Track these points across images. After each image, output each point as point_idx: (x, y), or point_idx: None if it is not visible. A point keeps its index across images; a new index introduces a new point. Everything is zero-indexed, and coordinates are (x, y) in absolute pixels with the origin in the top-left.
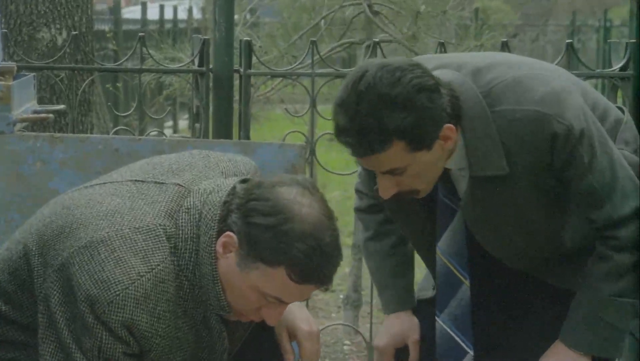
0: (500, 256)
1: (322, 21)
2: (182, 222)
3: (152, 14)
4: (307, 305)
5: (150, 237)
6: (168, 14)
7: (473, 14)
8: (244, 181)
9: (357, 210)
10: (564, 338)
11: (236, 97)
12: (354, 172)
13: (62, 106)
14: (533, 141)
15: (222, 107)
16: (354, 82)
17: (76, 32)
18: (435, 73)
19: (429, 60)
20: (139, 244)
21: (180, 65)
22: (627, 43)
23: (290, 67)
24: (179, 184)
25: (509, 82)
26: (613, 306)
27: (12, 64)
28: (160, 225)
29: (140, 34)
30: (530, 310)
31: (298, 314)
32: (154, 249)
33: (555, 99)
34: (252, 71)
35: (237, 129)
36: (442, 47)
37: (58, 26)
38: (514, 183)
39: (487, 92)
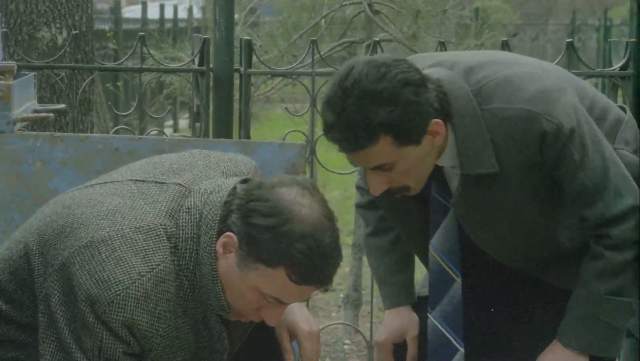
0: (497, 255)
1: (323, 20)
2: (182, 222)
3: (153, 13)
4: (307, 305)
5: (150, 237)
6: (168, 14)
7: (473, 13)
8: (244, 181)
9: (358, 206)
10: (560, 337)
11: (236, 96)
12: (354, 172)
13: (62, 106)
14: (523, 139)
15: (222, 107)
16: (340, 80)
17: (76, 32)
18: (428, 71)
19: (425, 58)
20: (139, 244)
21: (181, 64)
22: (627, 42)
23: (291, 66)
24: (179, 184)
25: (500, 80)
26: (608, 304)
27: (12, 64)
28: (160, 225)
29: (140, 33)
30: (523, 308)
31: (298, 314)
32: (154, 249)
33: (545, 97)
34: (253, 70)
35: (237, 129)
36: (442, 47)
37: (58, 25)
38: (505, 181)
39: (477, 91)
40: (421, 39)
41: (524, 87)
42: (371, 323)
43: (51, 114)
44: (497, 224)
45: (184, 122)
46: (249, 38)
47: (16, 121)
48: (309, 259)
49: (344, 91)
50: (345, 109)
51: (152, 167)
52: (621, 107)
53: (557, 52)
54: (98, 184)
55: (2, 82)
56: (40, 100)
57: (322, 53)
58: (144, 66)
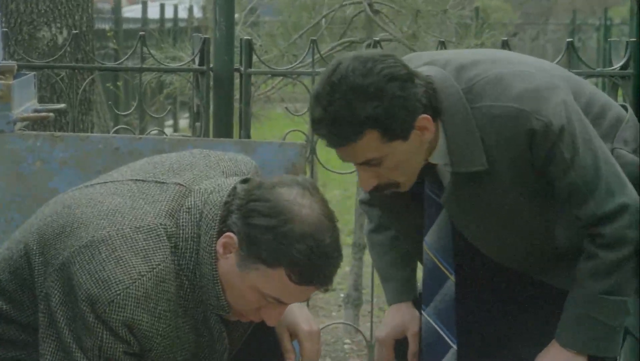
0: (493, 255)
1: (323, 20)
2: (182, 221)
3: (153, 12)
4: (307, 304)
5: (151, 236)
6: (169, 13)
7: (473, 13)
8: (244, 181)
9: (362, 202)
10: (558, 337)
11: (236, 96)
12: (354, 172)
13: (62, 105)
14: (512, 137)
15: (222, 106)
16: (328, 75)
17: (77, 31)
18: (421, 69)
19: (420, 57)
20: (139, 243)
21: (181, 64)
22: (627, 42)
23: (291, 66)
24: (179, 184)
25: (491, 79)
26: (603, 304)
27: (12, 63)
28: (161, 225)
29: (140, 33)
30: (516, 306)
31: (299, 313)
32: (154, 248)
33: (535, 95)
34: (253, 69)
35: (237, 128)
36: (443, 46)
37: (58, 25)
38: (495, 179)
39: (468, 89)
40: (421, 39)
41: (514, 86)
42: (371, 322)
43: (51, 114)
44: (490, 223)
45: (184, 121)
46: (249, 38)
47: (16, 120)
48: (309, 260)
49: (331, 86)
50: (332, 104)
51: (153, 167)
52: (623, 106)
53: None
54: (98, 183)
55: (2, 81)
56: (41, 100)
57: (322, 53)
58: (144, 66)
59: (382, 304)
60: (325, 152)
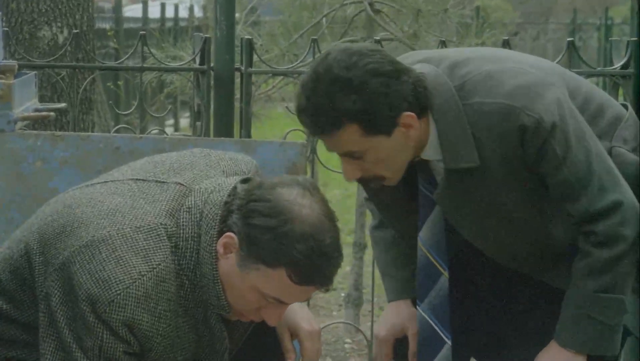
0: (492, 254)
1: (324, 19)
2: (183, 221)
3: (154, 12)
4: (308, 304)
5: (151, 236)
6: (169, 12)
7: (474, 12)
8: (245, 181)
9: (366, 200)
10: (557, 337)
11: (237, 95)
12: None
13: (63, 105)
14: (503, 133)
15: (223, 106)
16: (316, 65)
17: (77, 31)
18: (415, 66)
19: (417, 54)
20: (140, 243)
21: (182, 63)
22: (628, 41)
23: (292, 65)
24: (180, 183)
25: (483, 76)
26: (599, 302)
27: (13, 63)
28: (161, 224)
29: (141, 32)
30: (510, 302)
31: (299, 313)
32: (155, 248)
33: (526, 92)
34: (253, 69)
35: (238, 128)
36: (443, 46)
37: (59, 24)
38: (488, 175)
39: (460, 86)
40: (422, 38)
41: (505, 82)
42: (372, 321)
43: (52, 113)
44: (485, 220)
45: (184, 121)
46: (249, 37)
47: (17, 120)
48: (310, 260)
49: (317, 75)
50: (315, 93)
51: (153, 166)
52: (623, 105)
53: (558, 51)
54: (99, 183)
55: (3, 81)
56: (41, 99)
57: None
58: (145, 65)
59: (383, 303)
60: (326, 152)
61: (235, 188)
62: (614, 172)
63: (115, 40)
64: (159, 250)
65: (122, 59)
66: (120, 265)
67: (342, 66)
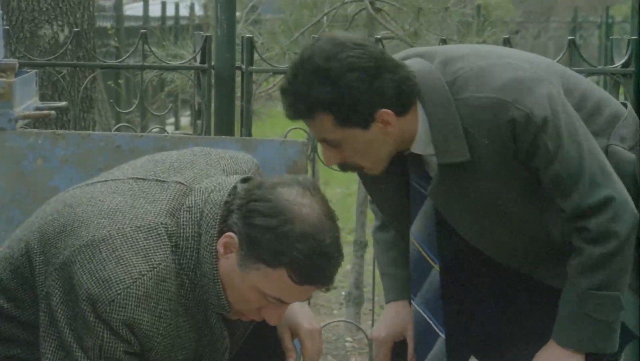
0: (489, 251)
1: (324, 18)
2: (183, 220)
3: (154, 10)
4: (308, 302)
5: (151, 236)
6: (170, 11)
7: (475, 11)
8: (245, 180)
9: (370, 201)
10: (555, 336)
11: (238, 94)
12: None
13: (63, 103)
14: (494, 127)
15: (223, 104)
16: (304, 50)
17: (78, 29)
18: (408, 62)
19: (413, 50)
20: (140, 242)
21: (182, 62)
22: (629, 40)
23: None
24: (180, 182)
25: (475, 71)
26: (593, 300)
27: (14, 61)
28: (161, 224)
29: (142, 31)
30: (502, 295)
31: (300, 312)
32: (155, 248)
33: (517, 86)
34: (254, 67)
35: (238, 126)
36: (444, 44)
37: (60, 23)
38: (480, 170)
39: (452, 81)
40: (423, 37)
41: (497, 77)
42: (372, 320)
43: (53, 112)
44: (479, 216)
45: (185, 119)
46: (250, 36)
47: (18, 118)
48: (310, 260)
49: (302, 61)
50: (296, 78)
51: (153, 165)
52: (623, 104)
53: (559, 49)
54: (99, 182)
55: (4, 79)
56: (42, 98)
57: None
58: (145, 64)
59: (383, 302)
60: None
61: (235, 187)
62: (607, 169)
63: (116, 38)
64: (159, 250)
65: (123, 58)
66: (121, 265)
67: (324, 56)
